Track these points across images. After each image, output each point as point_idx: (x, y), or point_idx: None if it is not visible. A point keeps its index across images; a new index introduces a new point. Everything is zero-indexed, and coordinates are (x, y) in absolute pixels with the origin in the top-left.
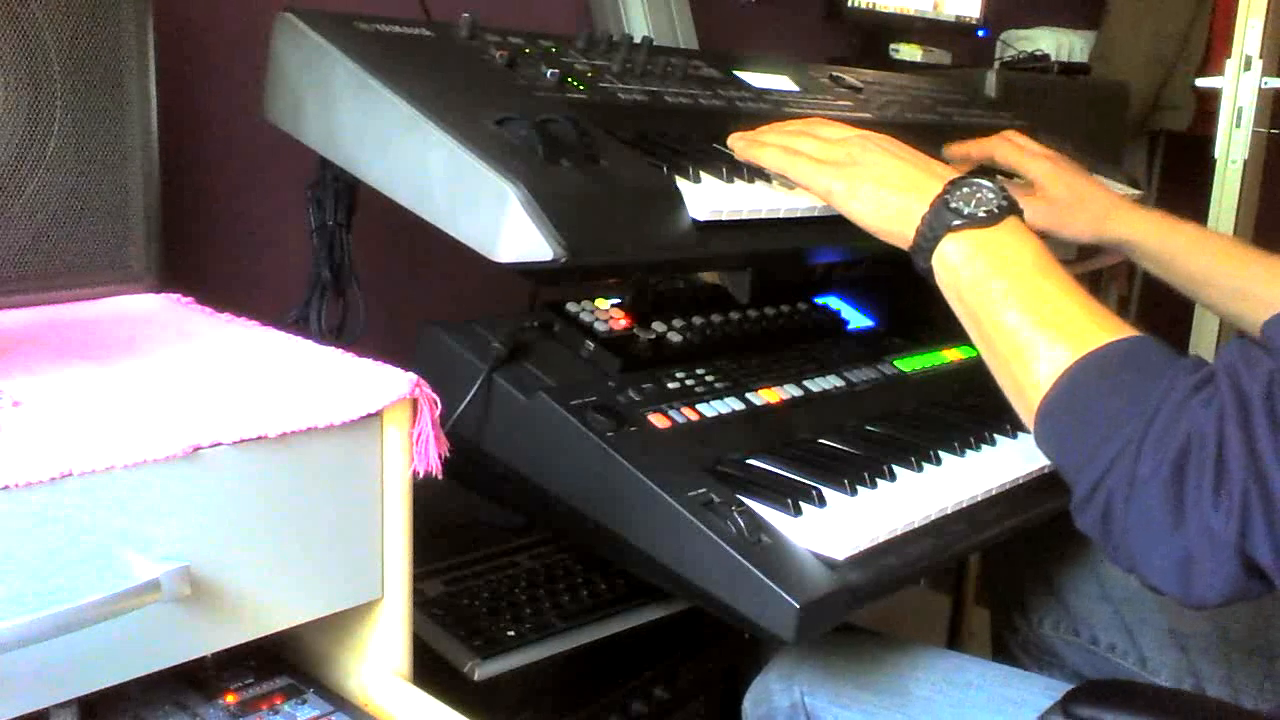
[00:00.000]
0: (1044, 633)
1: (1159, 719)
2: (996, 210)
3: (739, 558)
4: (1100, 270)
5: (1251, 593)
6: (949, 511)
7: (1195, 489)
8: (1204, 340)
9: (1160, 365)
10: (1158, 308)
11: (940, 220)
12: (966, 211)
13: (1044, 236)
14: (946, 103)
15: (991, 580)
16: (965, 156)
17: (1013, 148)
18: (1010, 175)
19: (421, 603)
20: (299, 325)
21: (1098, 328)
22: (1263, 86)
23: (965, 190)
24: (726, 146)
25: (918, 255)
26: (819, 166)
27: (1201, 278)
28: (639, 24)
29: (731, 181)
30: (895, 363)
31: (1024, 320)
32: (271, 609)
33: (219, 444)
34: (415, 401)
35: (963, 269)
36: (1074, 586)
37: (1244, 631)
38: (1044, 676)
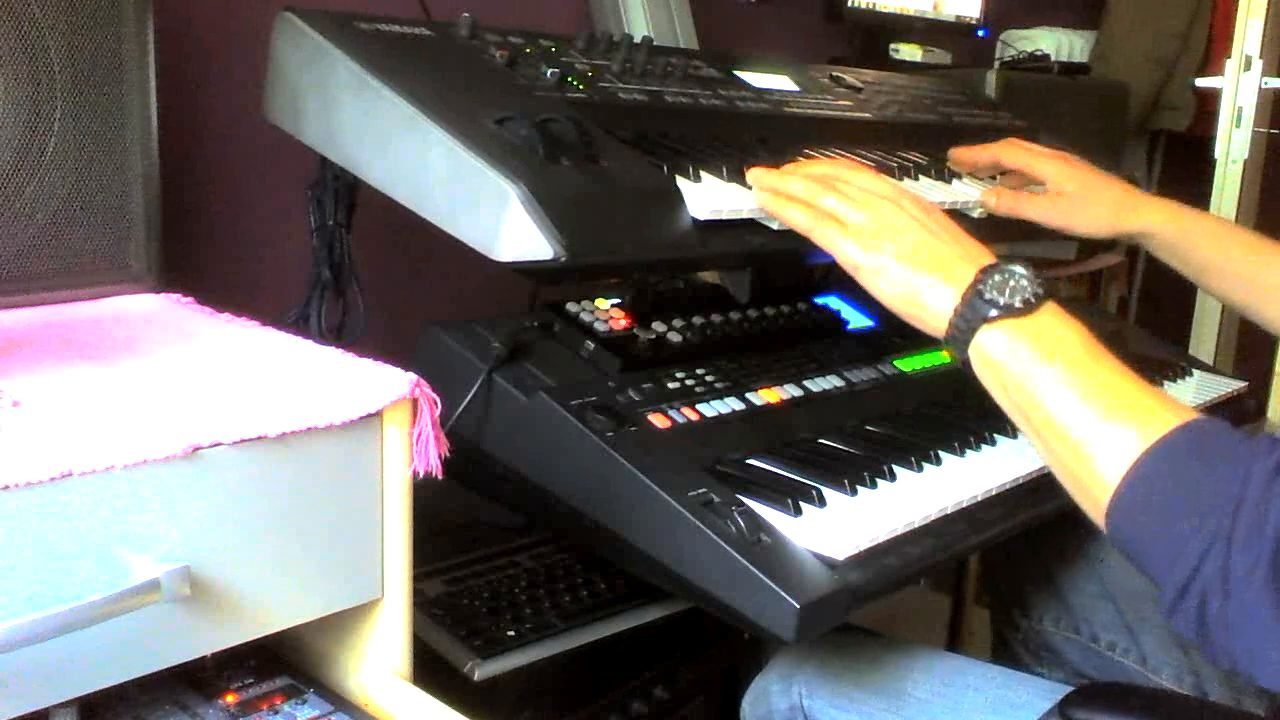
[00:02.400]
0: (1044, 630)
1: None
2: (1033, 299)
3: (739, 558)
4: (1100, 270)
5: None
6: (949, 511)
7: None
8: (1204, 342)
9: (1235, 449)
10: (1158, 308)
11: (975, 312)
12: (1003, 302)
13: (1061, 233)
14: (946, 103)
15: (992, 577)
16: (972, 164)
17: (1019, 150)
18: (1014, 180)
19: (421, 603)
20: (299, 325)
21: (1161, 412)
22: (1263, 86)
23: (999, 278)
24: (728, 145)
25: (953, 346)
26: (845, 234)
27: (1215, 268)
28: (639, 24)
29: (732, 181)
30: (895, 363)
31: (1080, 411)
32: (271, 609)
33: (219, 444)
34: (415, 401)
35: (1007, 362)
36: (1075, 584)
37: None
38: (1043, 679)
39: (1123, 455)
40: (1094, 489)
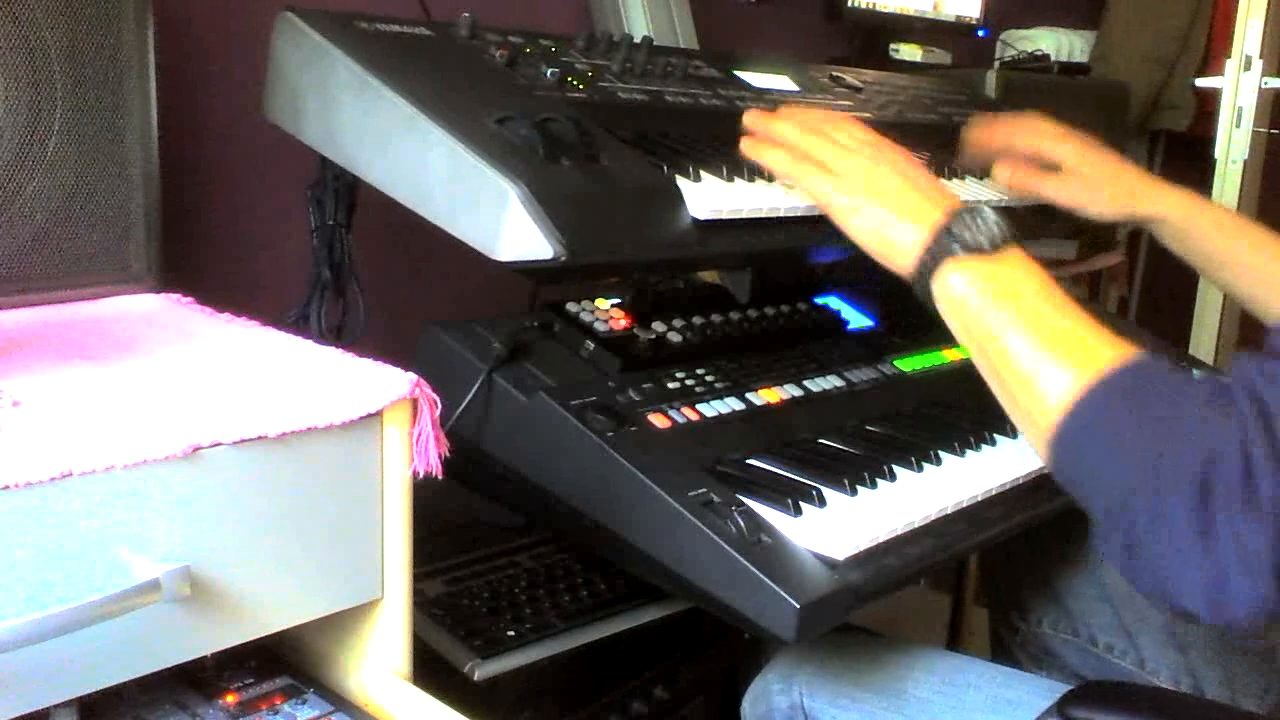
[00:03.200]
0: (1043, 632)
1: None
2: (1000, 241)
3: (739, 558)
4: (1100, 270)
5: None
6: (949, 511)
7: (1224, 506)
8: (1204, 342)
9: (1173, 384)
10: (1158, 309)
11: (941, 249)
12: (968, 240)
13: (1074, 219)
14: (946, 103)
15: (990, 580)
16: (985, 146)
17: (1033, 135)
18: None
19: (421, 603)
20: (299, 325)
21: (1105, 349)
22: (1263, 86)
23: (967, 218)
24: (728, 145)
25: (917, 283)
26: (824, 176)
27: (1222, 259)
28: (639, 24)
29: (732, 180)
30: (895, 363)
31: (1029, 345)
32: (271, 609)
33: (219, 444)
34: (415, 401)
35: (968, 298)
36: (1072, 587)
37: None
38: (1042, 678)
39: (1065, 386)
40: (1038, 418)
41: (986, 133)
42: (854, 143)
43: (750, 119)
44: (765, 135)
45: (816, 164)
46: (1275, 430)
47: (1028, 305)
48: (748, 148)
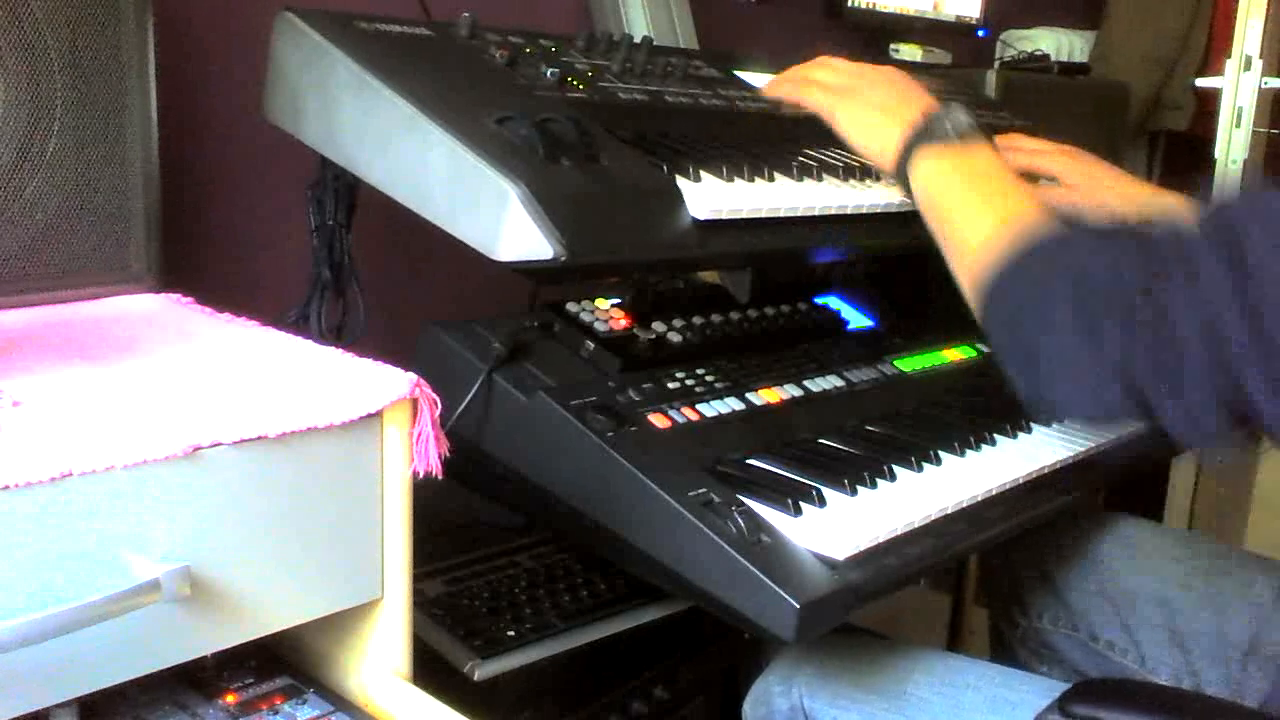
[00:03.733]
0: (1043, 628)
1: (1156, 718)
2: (966, 131)
3: (739, 558)
4: None
5: (1126, 411)
6: (949, 511)
7: (1107, 314)
8: None
9: (1088, 240)
10: None
11: (918, 140)
12: (939, 131)
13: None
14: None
15: (990, 577)
16: None
17: (1022, 154)
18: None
19: (421, 603)
20: (299, 325)
21: (1030, 206)
22: (1263, 86)
23: (939, 115)
24: (729, 145)
25: (898, 174)
26: (825, 92)
27: None
28: (639, 24)
29: (732, 180)
30: (895, 363)
31: (971, 211)
32: (271, 609)
33: (219, 444)
34: (415, 401)
35: (933, 177)
36: (1073, 583)
37: (1243, 632)
38: (1042, 677)
39: (993, 238)
40: (971, 268)
41: None
42: (854, 66)
43: (770, 84)
44: (781, 79)
45: (820, 85)
46: (1170, 275)
47: (980, 177)
48: (767, 89)
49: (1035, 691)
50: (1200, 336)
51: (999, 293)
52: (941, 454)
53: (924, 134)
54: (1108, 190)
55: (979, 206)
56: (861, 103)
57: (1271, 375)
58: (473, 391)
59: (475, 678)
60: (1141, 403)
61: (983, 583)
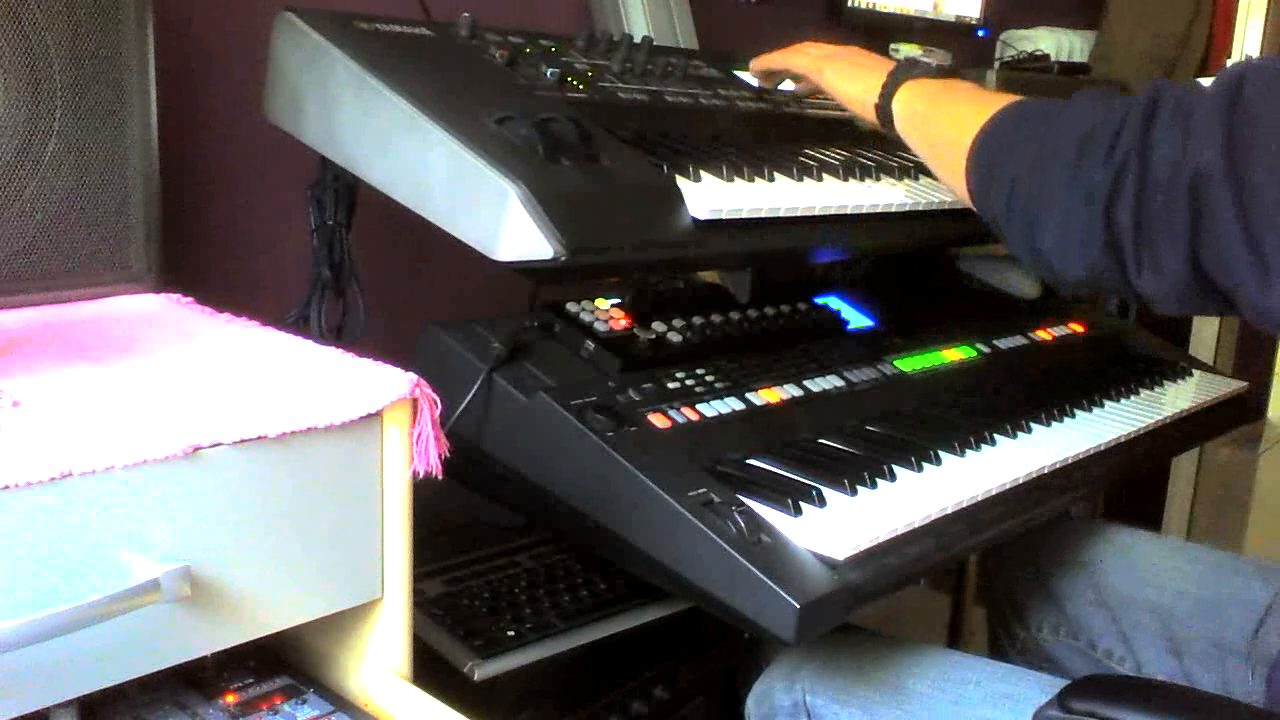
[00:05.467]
0: (1041, 638)
1: (1156, 714)
2: (939, 71)
3: (739, 558)
4: None
5: (1106, 276)
6: (949, 511)
7: (1090, 155)
8: (1204, 342)
9: (1080, 97)
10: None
11: (896, 77)
12: (917, 69)
13: None
14: None
15: (988, 586)
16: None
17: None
18: None
19: (421, 603)
20: (299, 325)
21: (1008, 97)
22: None
23: (915, 59)
24: (728, 145)
25: (881, 110)
26: (813, 56)
27: None
28: (639, 24)
29: (732, 180)
30: (895, 363)
31: (955, 113)
32: (271, 609)
33: (219, 444)
34: (415, 401)
35: (917, 98)
36: (1070, 592)
37: (1239, 638)
38: (1043, 674)
39: (975, 127)
40: (959, 158)
41: (763, 61)
42: (832, 45)
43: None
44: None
45: (805, 54)
46: (1158, 111)
47: (957, 94)
48: (753, 64)
49: (1036, 687)
50: (1183, 179)
51: (987, 153)
52: (941, 454)
53: (905, 70)
54: None
55: (963, 106)
56: (846, 60)
57: (1247, 220)
58: (473, 391)
59: (475, 678)
60: (1118, 259)
61: (981, 592)
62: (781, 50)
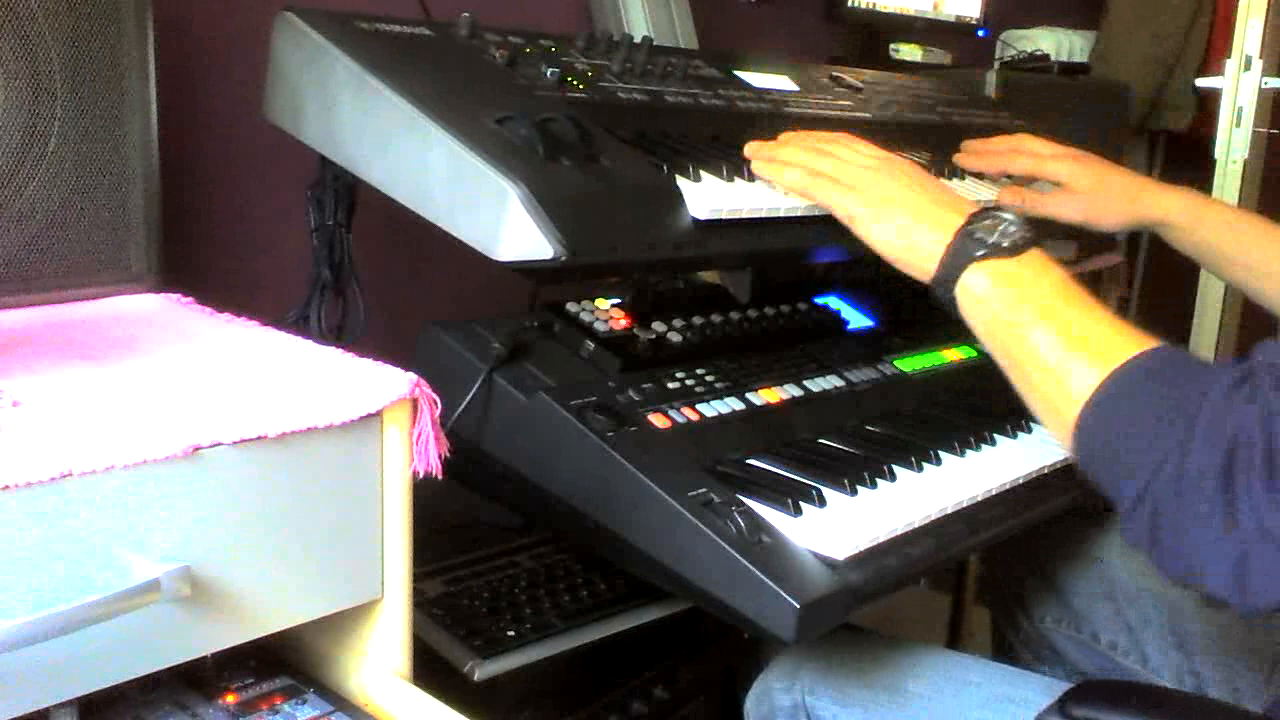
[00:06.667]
0: (1045, 629)
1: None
2: (1020, 241)
3: (739, 558)
4: (1100, 270)
5: None
6: (949, 511)
7: (1246, 487)
8: (1204, 341)
9: (1195, 369)
10: (1157, 308)
11: (964, 251)
12: (990, 241)
13: (1081, 230)
14: (946, 103)
15: (992, 577)
16: (979, 168)
17: (1027, 158)
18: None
19: (421, 603)
20: (299, 325)
21: (1127, 342)
22: (1263, 86)
23: (988, 222)
24: (729, 145)
25: (940, 287)
26: (841, 189)
27: (1230, 256)
28: (639, 23)
29: (732, 180)
30: (895, 363)
31: (1054, 342)
32: (271, 609)
33: (219, 444)
34: (415, 401)
35: (991, 299)
36: (1075, 584)
37: (1245, 633)
38: (1044, 676)
39: (1090, 378)
40: (1064, 410)
41: (980, 160)
42: (865, 157)
43: (753, 148)
44: (773, 159)
45: (831, 179)
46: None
47: (1050, 303)
48: (760, 169)
49: (1036, 690)
50: None
51: (1107, 446)
52: (941, 454)
53: (973, 243)
54: (1117, 192)
55: (1060, 335)
56: (889, 204)
57: None
58: (473, 391)
59: (475, 678)
60: None
61: (985, 584)
62: (794, 159)
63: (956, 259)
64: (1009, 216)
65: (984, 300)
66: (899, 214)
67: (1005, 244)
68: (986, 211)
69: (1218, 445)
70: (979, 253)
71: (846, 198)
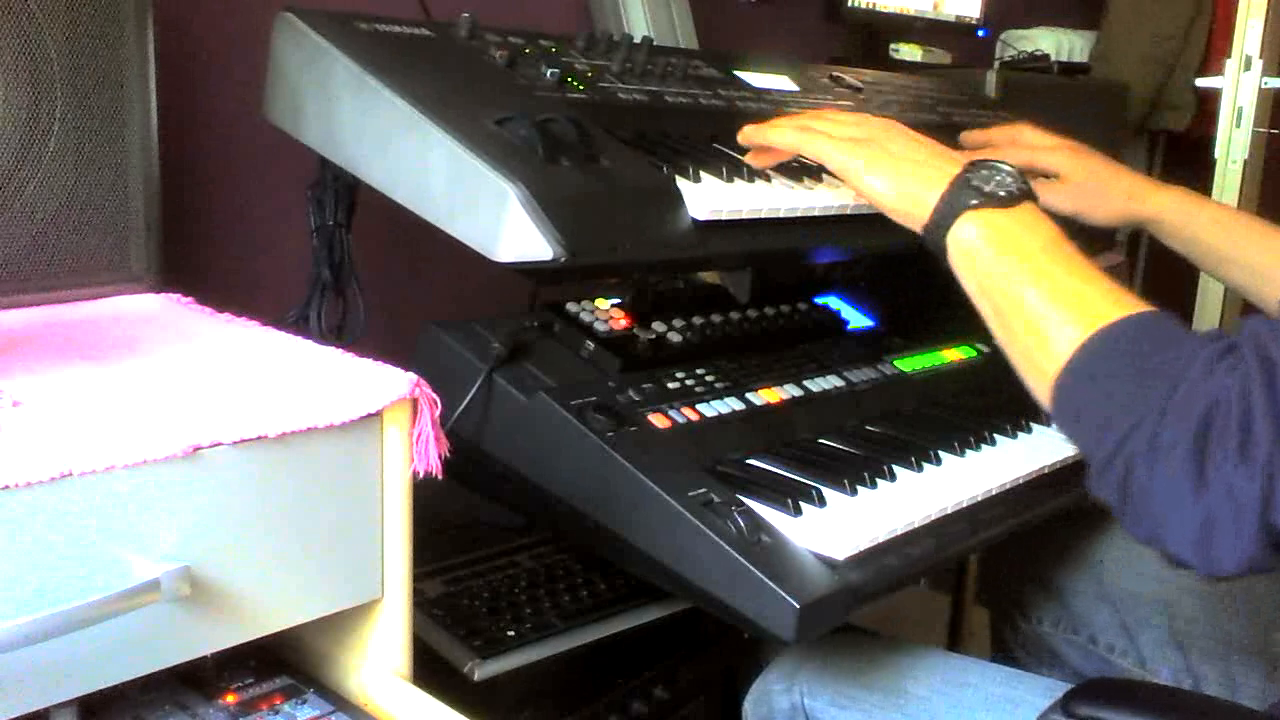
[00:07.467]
0: (1044, 631)
1: (1160, 718)
2: (1016, 192)
3: (739, 558)
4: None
5: (1268, 565)
6: (949, 511)
7: (1219, 453)
8: None
9: (1179, 336)
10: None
11: (959, 199)
12: (986, 190)
13: (1073, 221)
14: (946, 103)
15: (991, 580)
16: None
17: (1024, 150)
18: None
19: (421, 603)
20: (299, 325)
21: (1113, 304)
22: (1263, 86)
23: (985, 172)
24: (728, 146)
25: (933, 234)
26: (836, 143)
27: (1223, 255)
28: (639, 24)
29: (731, 181)
30: (895, 363)
31: (1040, 297)
32: (271, 609)
33: (219, 444)
34: (415, 401)
35: (981, 248)
36: (1073, 586)
37: (1243, 633)
38: (1044, 677)
39: (1073, 335)
40: (1045, 364)
41: (977, 151)
42: (860, 118)
43: (745, 133)
44: (767, 124)
45: (824, 134)
46: (1277, 386)
47: (1040, 258)
48: (751, 133)
49: (1036, 691)
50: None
51: (1084, 404)
52: (941, 454)
53: (967, 191)
54: (1111, 187)
55: (1045, 291)
56: (884, 154)
57: None
58: (473, 391)
59: (475, 678)
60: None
61: (984, 586)
62: (790, 124)
63: (951, 206)
64: (1006, 168)
65: (974, 250)
66: (896, 164)
67: (1001, 193)
68: (984, 162)
69: (1195, 411)
70: (973, 201)
71: (841, 149)
